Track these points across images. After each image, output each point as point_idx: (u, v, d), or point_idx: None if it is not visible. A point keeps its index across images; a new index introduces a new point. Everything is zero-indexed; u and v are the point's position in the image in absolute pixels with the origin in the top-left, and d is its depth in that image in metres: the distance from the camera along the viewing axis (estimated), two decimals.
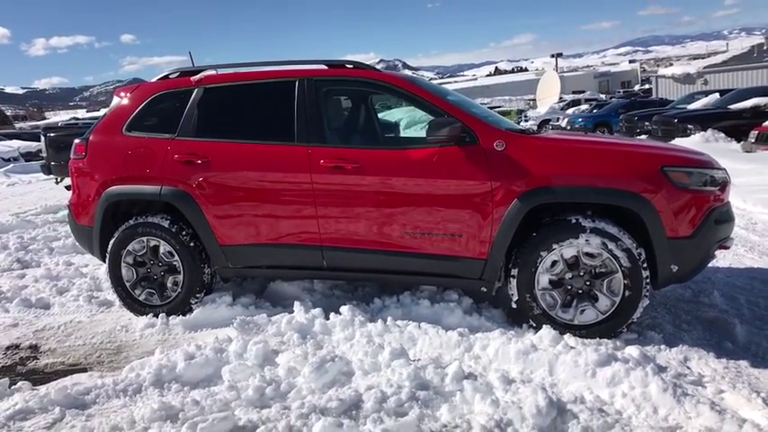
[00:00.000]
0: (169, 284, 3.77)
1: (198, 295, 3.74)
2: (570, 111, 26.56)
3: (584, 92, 40.08)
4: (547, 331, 3.02)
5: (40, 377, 3.11)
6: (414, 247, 3.35)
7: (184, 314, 3.68)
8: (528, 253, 3.16)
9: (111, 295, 4.08)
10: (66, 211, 4.38)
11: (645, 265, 3.04)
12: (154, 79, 4.02)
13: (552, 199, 3.12)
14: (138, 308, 3.82)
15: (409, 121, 8.84)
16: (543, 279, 3.17)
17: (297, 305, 3.51)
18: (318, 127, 3.50)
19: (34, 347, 3.53)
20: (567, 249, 3.12)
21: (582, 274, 3.14)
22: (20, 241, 6.22)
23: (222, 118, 3.78)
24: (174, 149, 3.68)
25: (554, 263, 3.16)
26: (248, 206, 3.56)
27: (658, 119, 13.52)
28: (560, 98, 33.02)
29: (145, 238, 3.74)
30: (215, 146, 3.63)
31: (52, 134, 10.76)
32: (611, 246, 3.05)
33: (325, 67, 3.71)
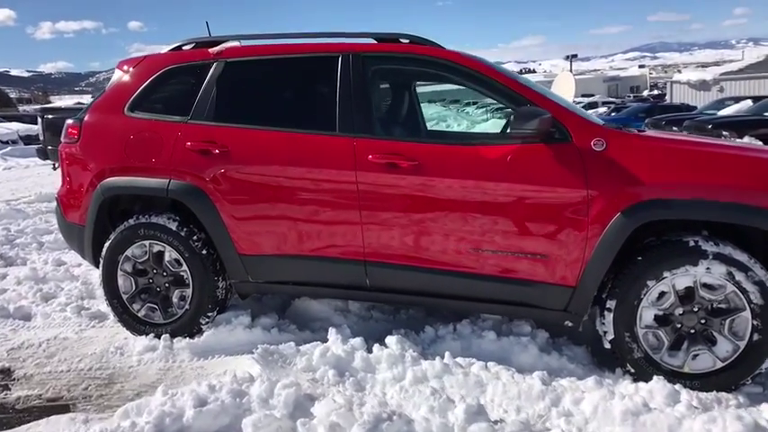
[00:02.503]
0: (175, 299, 3.11)
1: (209, 314, 3.09)
2: (588, 113, 25.96)
3: (593, 95, 39.46)
4: (660, 384, 2.35)
5: (7, 417, 2.47)
6: (480, 268, 2.71)
7: (192, 336, 3.04)
8: (630, 281, 2.51)
9: (105, 306, 3.42)
10: None
11: None
12: (164, 50, 3.35)
13: (669, 215, 2.47)
14: (136, 325, 3.16)
15: (438, 118, 8.20)
16: (648, 314, 2.52)
17: (332, 333, 2.85)
18: (366, 114, 2.84)
19: (6, 372, 2.88)
20: (682, 279, 2.46)
21: (696, 309, 2.48)
22: (5, 233, 5.57)
23: (246, 99, 3.13)
24: (186, 135, 3.02)
25: (662, 294, 2.50)
26: (275, 208, 2.91)
27: (690, 123, 12.83)
28: (573, 101, 32.36)
29: (147, 242, 3.08)
30: (236, 133, 2.98)
31: (50, 116, 10.12)
32: (738, 277, 2.40)
33: (375, 42, 3.05)
